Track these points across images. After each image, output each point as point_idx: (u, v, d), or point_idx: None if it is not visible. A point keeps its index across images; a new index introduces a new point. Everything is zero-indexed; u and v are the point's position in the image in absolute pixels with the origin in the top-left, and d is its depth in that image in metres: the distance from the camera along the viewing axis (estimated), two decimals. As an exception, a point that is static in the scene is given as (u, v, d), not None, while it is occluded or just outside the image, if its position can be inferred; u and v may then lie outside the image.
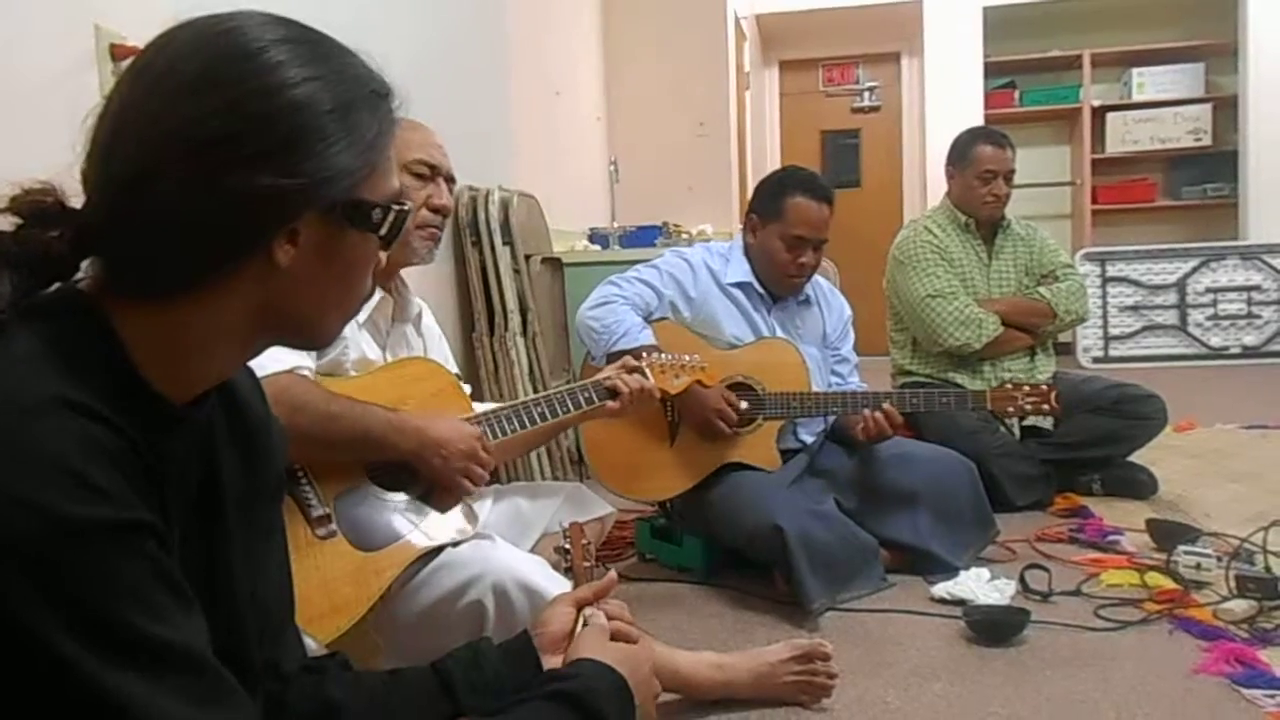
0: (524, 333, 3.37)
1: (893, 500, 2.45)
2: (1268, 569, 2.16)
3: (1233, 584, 2.13)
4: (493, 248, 3.31)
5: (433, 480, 1.56)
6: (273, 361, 1.38)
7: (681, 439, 2.44)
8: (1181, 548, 2.28)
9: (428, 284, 2.76)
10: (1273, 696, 1.71)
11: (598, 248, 4.37)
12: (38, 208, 0.73)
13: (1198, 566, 2.23)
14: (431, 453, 1.53)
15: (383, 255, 0.84)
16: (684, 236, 4.42)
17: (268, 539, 0.93)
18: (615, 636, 1.12)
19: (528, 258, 3.42)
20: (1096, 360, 6.23)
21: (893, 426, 2.42)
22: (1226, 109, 6.57)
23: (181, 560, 0.72)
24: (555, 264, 3.74)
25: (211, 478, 0.83)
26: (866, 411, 2.42)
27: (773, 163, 7.10)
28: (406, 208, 0.83)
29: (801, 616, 2.15)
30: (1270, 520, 2.26)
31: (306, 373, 1.50)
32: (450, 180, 1.76)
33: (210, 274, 0.74)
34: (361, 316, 1.63)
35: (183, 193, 0.71)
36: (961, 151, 3.32)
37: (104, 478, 0.65)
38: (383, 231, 0.81)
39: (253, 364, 0.89)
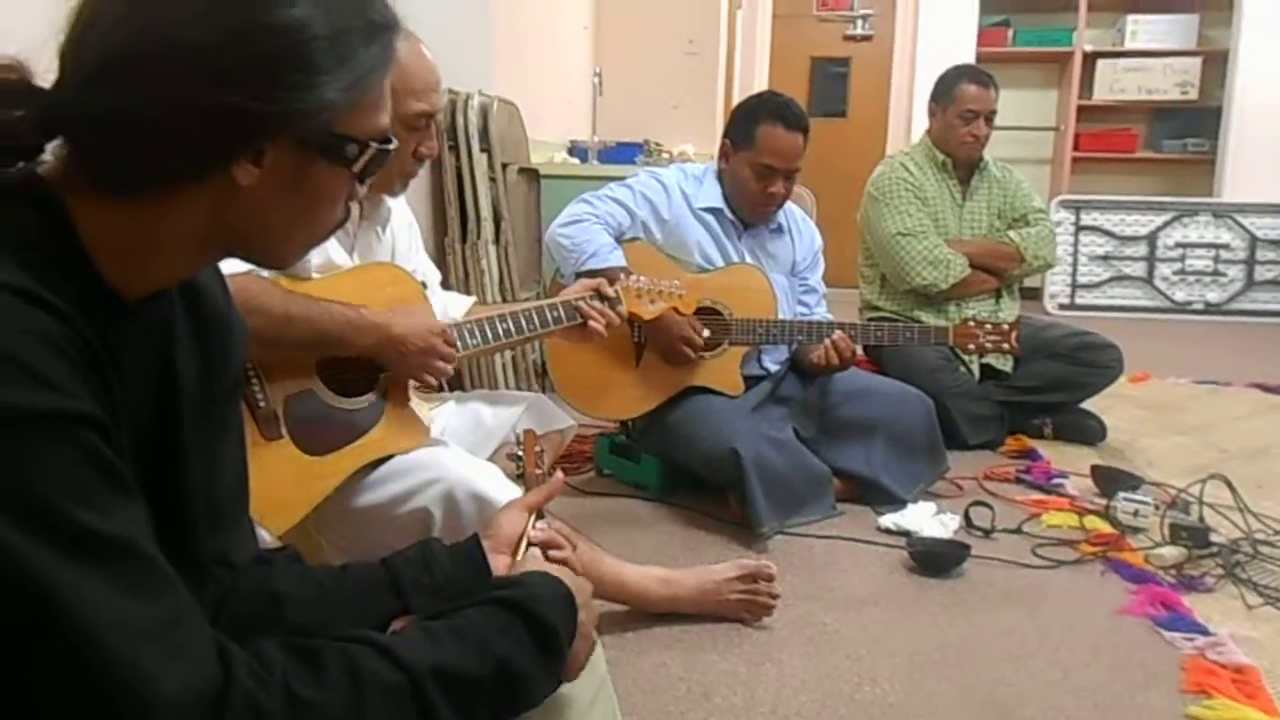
0: (496, 241, 3.35)
1: (850, 431, 2.50)
2: (1201, 519, 2.24)
3: (1166, 531, 2.21)
4: (470, 154, 3.27)
5: (394, 375, 1.57)
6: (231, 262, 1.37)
7: (646, 360, 2.46)
8: (1122, 494, 2.36)
9: (400, 187, 2.71)
10: (1191, 639, 1.79)
11: (576, 161, 4.31)
12: (2, 85, 0.71)
13: (1135, 513, 2.31)
14: (390, 349, 1.54)
15: (361, 188, 0.81)
16: (665, 156, 4.37)
17: (224, 434, 0.93)
18: (549, 544, 1.13)
19: (504, 166, 3.38)
20: (1062, 307, 6.29)
21: (844, 359, 2.46)
22: (1216, 63, 6.53)
23: (132, 454, 0.72)
24: (532, 175, 3.70)
25: (168, 374, 0.82)
26: (827, 340, 2.45)
27: (760, 86, 6.98)
28: (390, 147, 0.79)
29: (751, 538, 2.21)
30: (1209, 473, 2.33)
31: (265, 273, 1.48)
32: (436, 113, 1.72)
33: (167, 180, 0.72)
34: None
35: (144, 95, 0.68)
36: (946, 88, 3.30)
37: (45, 366, 0.63)
38: (357, 168, 0.78)
39: None
